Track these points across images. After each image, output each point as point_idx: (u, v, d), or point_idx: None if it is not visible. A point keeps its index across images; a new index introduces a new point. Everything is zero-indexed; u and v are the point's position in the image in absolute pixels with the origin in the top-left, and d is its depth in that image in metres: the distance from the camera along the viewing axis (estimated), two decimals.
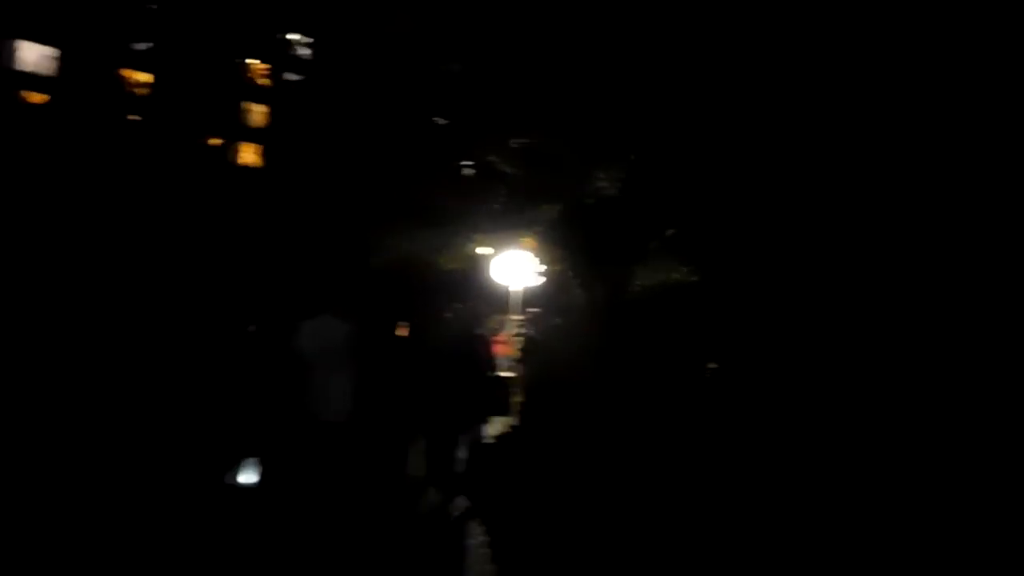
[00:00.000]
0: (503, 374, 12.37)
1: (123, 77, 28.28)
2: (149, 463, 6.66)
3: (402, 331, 8.84)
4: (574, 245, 13.32)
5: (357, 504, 6.41)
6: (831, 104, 12.86)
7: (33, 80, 28.07)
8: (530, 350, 13.86)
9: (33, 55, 29.33)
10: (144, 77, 28.26)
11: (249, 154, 30.47)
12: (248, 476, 6.59)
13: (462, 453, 7.56)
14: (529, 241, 14.93)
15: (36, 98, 26.06)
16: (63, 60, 29.36)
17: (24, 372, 8.42)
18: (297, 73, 26.43)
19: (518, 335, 14.65)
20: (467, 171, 14.39)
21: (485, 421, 8.19)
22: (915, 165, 12.60)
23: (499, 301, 15.92)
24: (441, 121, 13.22)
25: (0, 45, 28.81)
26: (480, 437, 8.08)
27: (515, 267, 15.57)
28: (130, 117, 26.09)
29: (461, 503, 7.42)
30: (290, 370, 6.36)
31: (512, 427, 9.70)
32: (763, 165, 13.31)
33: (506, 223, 13.23)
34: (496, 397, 9.22)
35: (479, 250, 14.44)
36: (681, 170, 13.48)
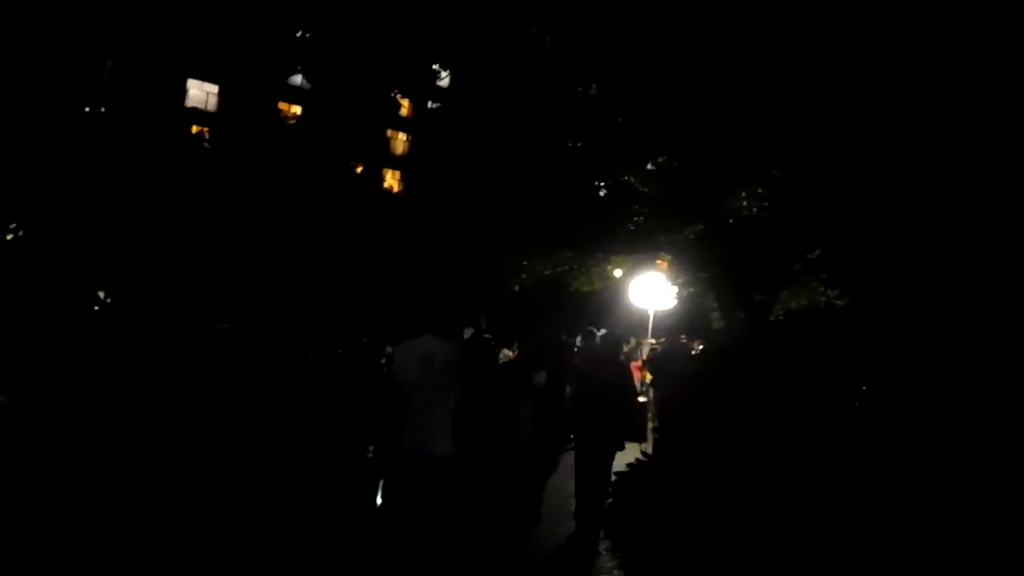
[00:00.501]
0: (641, 399, 12.09)
1: (279, 110, 29.93)
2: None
3: (521, 352, 8.82)
4: (713, 267, 12.87)
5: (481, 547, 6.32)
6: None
7: (197, 115, 30.11)
8: (664, 375, 13.49)
9: (198, 92, 31.49)
10: (296, 109, 29.76)
11: (392, 180, 31.50)
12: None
13: (605, 483, 7.42)
14: (663, 263, 14.60)
15: (200, 131, 27.95)
16: (224, 95, 31.35)
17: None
18: (437, 101, 27.15)
19: (652, 359, 14.30)
20: (603, 192, 14.23)
21: (622, 448, 7.97)
22: None
23: (636, 324, 15.63)
24: (577, 143, 13.11)
25: (170, 84, 31.10)
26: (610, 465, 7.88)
27: (651, 290, 15.25)
28: (283, 147, 27.49)
29: (598, 536, 7.21)
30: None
31: (646, 455, 9.37)
32: (914, 180, 12.50)
33: (642, 245, 12.95)
34: (635, 424, 9.03)
35: (615, 272, 14.22)
36: (826, 187, 12.83)
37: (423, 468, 4.96)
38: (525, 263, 13.31)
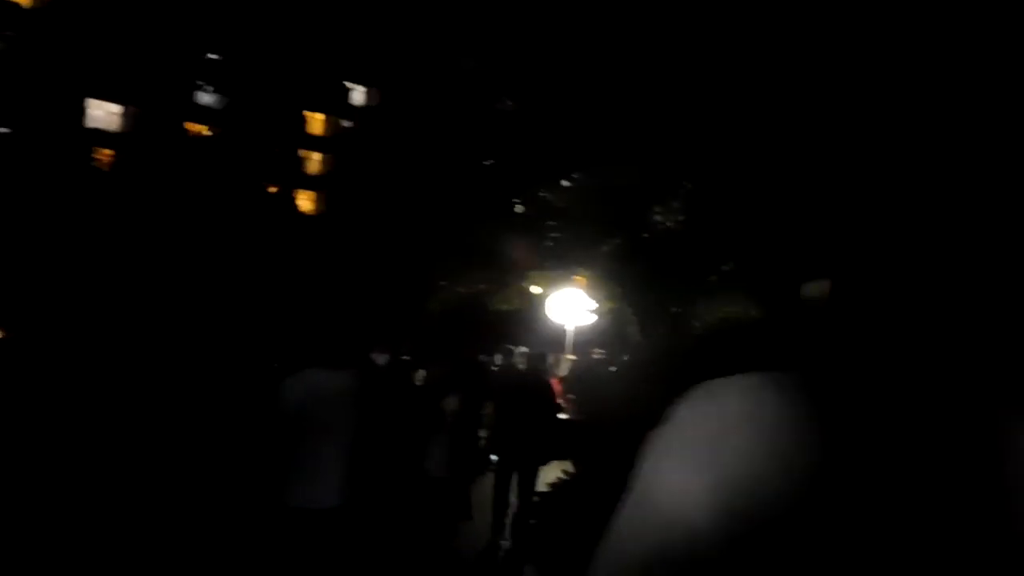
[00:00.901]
0: (562, 416, 11.87)
1: (186, 130, 28.95)
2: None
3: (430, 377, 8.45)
4: (630, 281, 12.86)
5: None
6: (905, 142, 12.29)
7: (101, 136, 28.90)
8: (584, 390, 13.37)
9: (101, 113, 30.25)
10: (205, 129, 28.86)
11: (307, 201, 30.80)
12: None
13: (528, 497, 7.15)
14: (581, 279, 14.53)
15: (104, 153, 26.81)
16: (129, 116, 30.20)
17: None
18: (353, 120, 26.69)
19: (573, 375, 14.19)
20: (519, 209, 14.10)
21: (546, 464, 7.71)
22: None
23: (554, 340, 15.50)
24: (492, 161, 12.96)
25: (71, 104, 29.80)
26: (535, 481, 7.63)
27: (569, 305, 15.16)
28: (192, 168, 26.63)
29: (518, 549, 6.96)
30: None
31: (568, 473, 9.19)
32: (827, 194, 12.75)
33: (560, 261, 12.85)
34: (559, 441, 8.77)
35: (533, 289, 14.07)
36: (740, 201, 12.99)
37: (310, 525, 4.17)
38: (443, 283, 13.06)
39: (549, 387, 8.44)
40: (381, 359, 6.76)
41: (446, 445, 6.27)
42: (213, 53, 30.57)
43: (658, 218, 12.73)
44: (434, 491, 6.36)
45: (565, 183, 12.72)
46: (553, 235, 13.02)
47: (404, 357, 7.47)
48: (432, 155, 14.48)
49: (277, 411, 4.17)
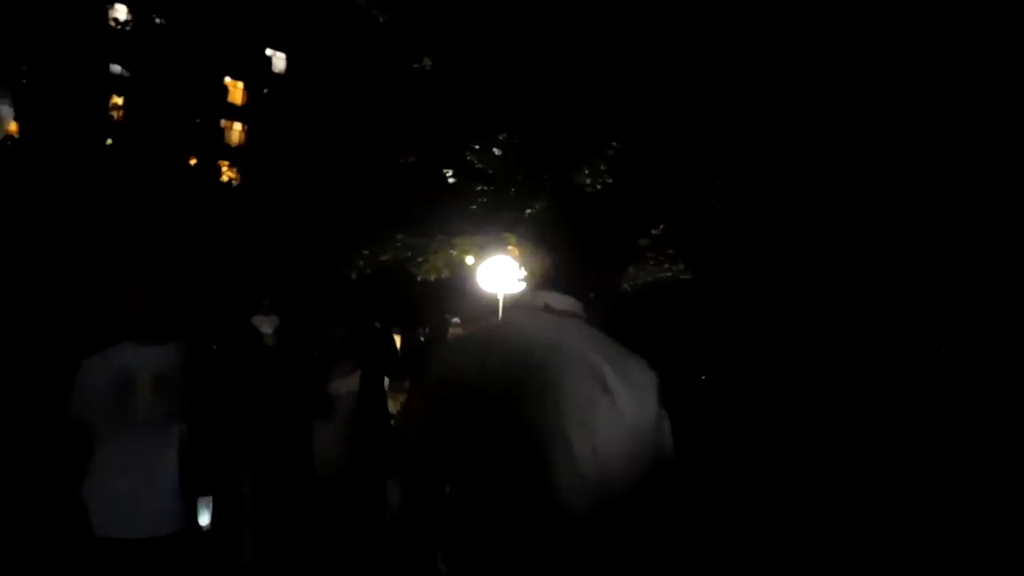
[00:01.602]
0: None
1: (97, 100, 27.47)
2: None
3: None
4: (557, 245, 12.42)
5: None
6: (823, 96, 12.08)
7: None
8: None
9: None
10: (117, 100, 27.46)
11: (227, 171, 29.64)
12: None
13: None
14: (514, 248, 14.06)
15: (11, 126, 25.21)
16: (33, 85, 28.51)
17: None
18: (272, 87, 25.62)
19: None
20: (443, 172, 13.50)
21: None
22: (904, 159, 11.88)
23: (487, 310, 15.03)
24: (413, 121, 12.29)
25: None
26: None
27: (500, 274, 14.68)
28: (106, 140, 25.40)
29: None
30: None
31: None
32: (755, 156, 12.50)
33: (484, 225, 12.32)
34: None
35: (465, 258, 13.53)
36: (669, 161, 12.64)
37: (128, 562, 2.90)
38: (363, 249, 12.42)
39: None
40: (266, 325, 5.70)
41: (338, 436, 4.51)
42: (125, 20, 29.06)
43: (585, 179, 12.29)
44: (329, 499, 4.54)
45: (489, 142, 12.15)
46: (479, 199, 12.48)
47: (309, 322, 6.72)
48: (348, 119, 13.77)
49: (69, 406, 3.01)
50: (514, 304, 1.74)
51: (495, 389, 1.51)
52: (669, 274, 12.93)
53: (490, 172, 12.35)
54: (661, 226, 12.89)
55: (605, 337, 1.44)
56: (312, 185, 15.87)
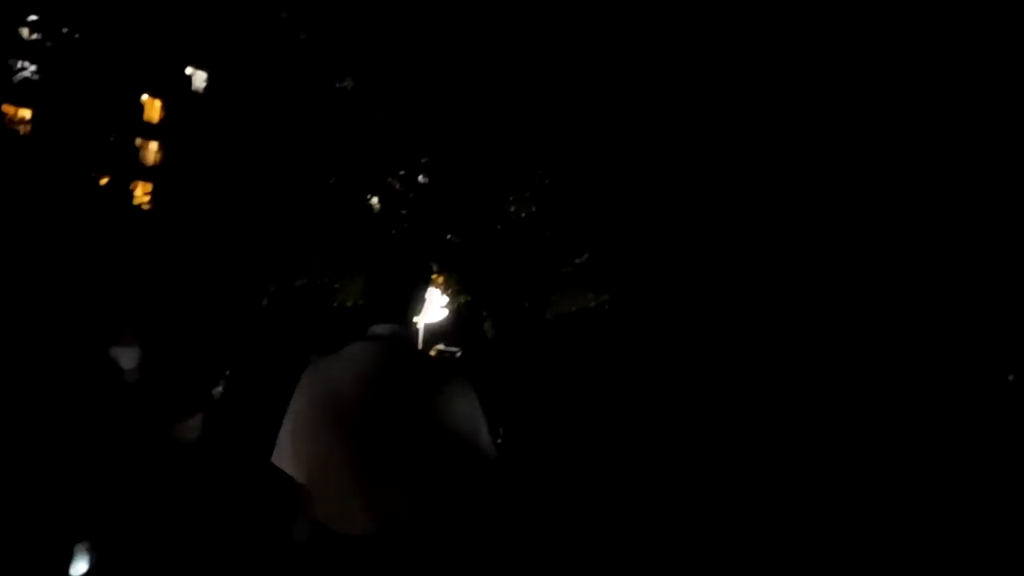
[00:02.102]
0: None
1: (2, 113, 26.13)
2: None
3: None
4: (482, 274, 12.17)
5: None
6: (743, 126, 12.20)
7: None
8: None
9: None
10: (26, 112, 26.20)
11: (142, 192, 28.47)
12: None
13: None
14: (436, 275, 13.74)
15: None
16: None
17: None
18: (191, 106, 24.74)
19: None
20: (367, 198, 13.12)
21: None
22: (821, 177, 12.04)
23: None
24: (334, 142, 11.89)
25: None
26: None
27: (419, 301, 14.32)
28: (12, 155, 24.10)
29: None
30: None
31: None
32: (679, 185, 12.52)
33: (406, 251, 11.97)
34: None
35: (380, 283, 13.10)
36: (594, 193, 12.56)
37: None
38: (281, 275, 11.90)
39: None
40: (126, 359, 4.59)
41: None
42: (35, 30, 27.86)
43: (510, 208, 12.10)
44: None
45: (414, 169, 11.85)
46: (400, 224, 12.14)
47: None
48: (268, 140, 13.26)
49: None
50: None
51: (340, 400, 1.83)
52: (593, 303, 12.80)
53: (413, 199, 12.04)
54: (585, 255, 12.79)
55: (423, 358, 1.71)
56: (227, 206, 15.24)
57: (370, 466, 1.70)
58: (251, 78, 15.38)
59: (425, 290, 1.89)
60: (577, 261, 12.77)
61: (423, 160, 11.96)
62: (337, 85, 11.71)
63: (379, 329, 1.82)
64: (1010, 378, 11.93)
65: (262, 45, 14.55)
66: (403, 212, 12.87)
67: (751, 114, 11.37)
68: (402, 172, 12.33)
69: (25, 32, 25.28)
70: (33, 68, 26.69)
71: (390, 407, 1.74)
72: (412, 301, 1.92)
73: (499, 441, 7.07)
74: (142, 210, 26.53)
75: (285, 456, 1.76)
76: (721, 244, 11.88)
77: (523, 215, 12.14)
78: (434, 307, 14.15)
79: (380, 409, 1.73)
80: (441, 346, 13.38)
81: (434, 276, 13.86)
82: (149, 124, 29.18)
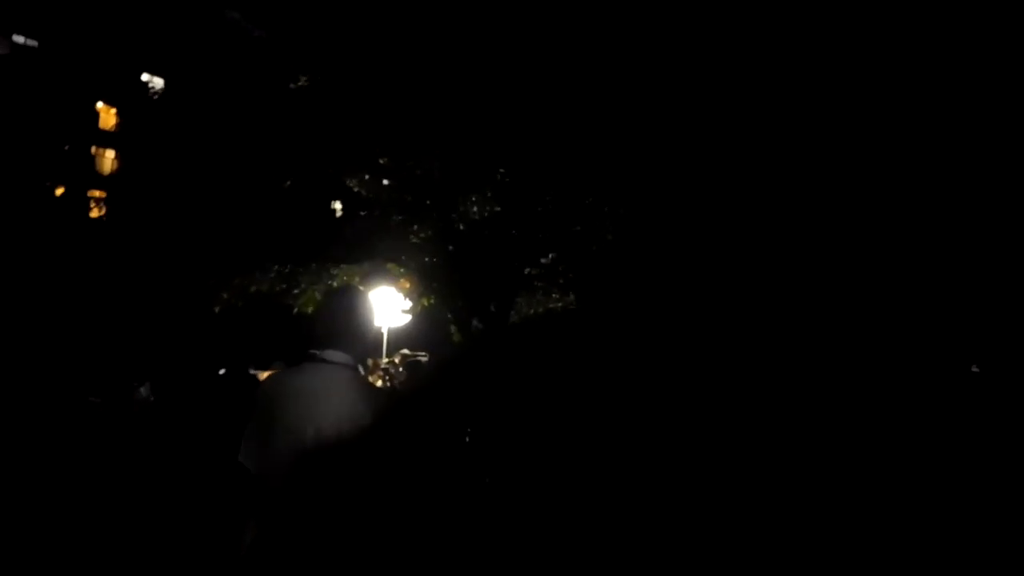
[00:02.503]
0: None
1: None
2: None
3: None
4: (445, 276, 11.80)
5: None
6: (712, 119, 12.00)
7: None
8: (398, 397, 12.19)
9: None
10: None
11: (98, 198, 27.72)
12: None
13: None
14: (405, 281, 13.35)
15: None
16: None
17: None
18: (146, 111, 24.15)
19: (385, 379, 12.95)
20: (322, 199, 12.70)
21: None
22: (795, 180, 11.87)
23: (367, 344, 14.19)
24: (290, 143, 11.46)
25: None
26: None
27: (384, 306, 13.92)
28: None
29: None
30: None
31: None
32: (645, 183, 12.26)
33: (365, 253, 11.57)
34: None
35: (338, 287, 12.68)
36: (558, 190, 12.26)
37: None
38: (235, 280, 11.44)
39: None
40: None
41: None
42: None
43: (472, 208, 11.76)
44: None
45: (373, 168, 11.47)
46: (360, 226, 11.74)
47: None
48: (218, 139, 12.83)
49: None
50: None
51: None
52: (560, 304, 12.48)
53: (370, 198, 11.65)
54: (551, 255, 12.47)
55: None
56: (179, 211, 14.76)
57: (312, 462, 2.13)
58: (203, 75, 14.91)
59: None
60: (543, 261, 12.45)
61: (382, 160, 11.58)
62: (292, 86, 11.29)
63: (328, 354, 2.17)
64: (974, 369, 11.81)
65: (215, 43, 14.09)
66: (363, 214, 12.49)
67: (728, 107, 11.17)
68: (367, 175, 11.93)
69: None
70: None
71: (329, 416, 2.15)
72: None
73: (467, 440, 6.77)
74: (98, 219, 25.89)
75: (246, 455, 2.15)
76: (695, 242, 11.65)
77: (486, 214, 11.80)
78: (398, 311, 13.76)
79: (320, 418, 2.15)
80: (406, 351, 12.94)
81: (402, 281, 13.49)
82: (105, 132, 28.49)
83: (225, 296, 11.11)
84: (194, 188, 16.17)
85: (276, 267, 11.23)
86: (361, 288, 13.04)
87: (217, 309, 11.17)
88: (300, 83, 11.03)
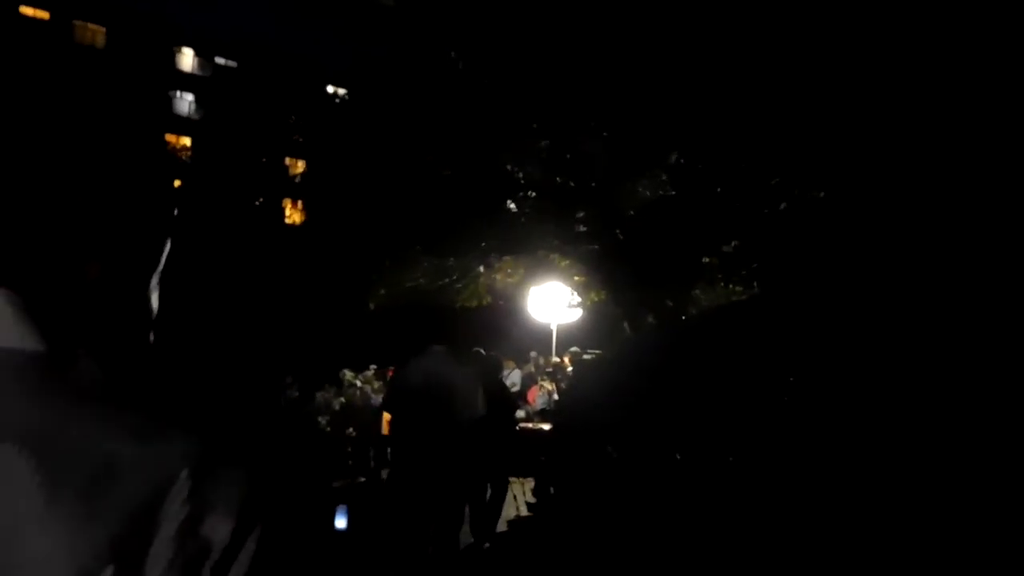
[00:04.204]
0: (530, 426, 9.77)
1: (166, 142, 27.20)
2: None
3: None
4: (612, 265, 10.56)
5: None
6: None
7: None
8: (567, 398, 11.13)
9: None
10: (186, 140, 27.16)
11: (292, 210, 28.88)
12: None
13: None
14: (570, 273, 12.26)
15: None
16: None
17: None
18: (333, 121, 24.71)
19: (554, 381, 11.87)
20: (486, 188, 11.82)
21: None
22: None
23: (540, 340, 13.24)
24: (443, 127, 10.64)
25: None
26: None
27: (553, 301, 12.88)
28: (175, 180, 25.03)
29: None
30: None
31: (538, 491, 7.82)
32: (832, 161, 10.45)
33: (528, 243, 10.56)
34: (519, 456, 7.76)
35: (506, 282, 11.78)
36: (740, 170, 10.70)
37: None
38: (394, 276, 10.80)
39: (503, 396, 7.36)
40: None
41: None
42: (201, 64, 28.97)
43: (643, 192, 10.46)
44: None
45: (534, 149, 10.45)
46: (521, 212, 10.76)
47: None
48: (387, 133, 12.27)
49: None
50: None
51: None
52: (743, 298, 10.89)
53: (533, 183, 10.63)
54: (733, 243, 10.91)
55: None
56: (353, 211, 14.44)
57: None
58: (374, 77, 14.51)
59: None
60: (724, 249, 10.94)
61: (540, 139, 10.54)
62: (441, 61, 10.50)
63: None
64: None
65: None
66: (520, 194, 11.51)
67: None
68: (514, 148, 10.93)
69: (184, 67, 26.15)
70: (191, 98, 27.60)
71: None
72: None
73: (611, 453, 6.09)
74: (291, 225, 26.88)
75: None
76: (914, 235, 9.75)
77: (659, 197, 10.47)
78: (565, 307, 12.69)
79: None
80: (575, 348, 11.87)
81: (576, 277, 12.42)
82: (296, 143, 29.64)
83: (383, 292, 10.50)
84: (369, 187, 15.93)
85: (435, 261, 10.48)
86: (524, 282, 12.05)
87: (372, 306, 10.57)
88: (451, 60, 10.19)
